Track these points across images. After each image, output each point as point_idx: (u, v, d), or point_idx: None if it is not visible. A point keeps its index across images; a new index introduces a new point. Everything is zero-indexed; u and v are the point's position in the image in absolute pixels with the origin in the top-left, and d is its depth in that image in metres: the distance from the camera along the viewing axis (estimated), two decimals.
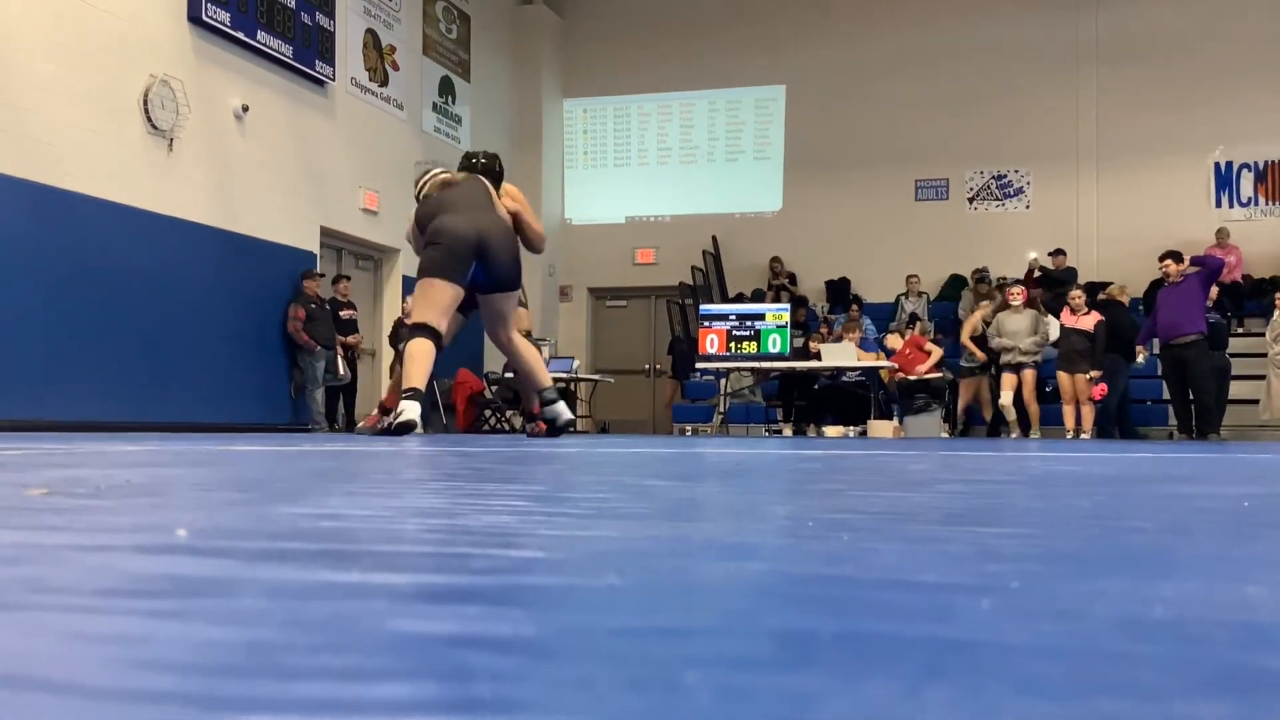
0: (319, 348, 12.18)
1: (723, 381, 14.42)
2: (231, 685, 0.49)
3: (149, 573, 0.86)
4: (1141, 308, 14.36)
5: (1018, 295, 13.25)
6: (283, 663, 0.53)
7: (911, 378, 12.92)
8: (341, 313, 13.02)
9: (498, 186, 7.17)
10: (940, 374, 13.06)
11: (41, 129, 9.52)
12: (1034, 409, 13.12)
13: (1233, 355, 13.72)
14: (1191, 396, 11.82)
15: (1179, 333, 11.46)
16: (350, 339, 13.12)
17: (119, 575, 0.85)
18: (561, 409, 7.16)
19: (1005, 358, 13.02)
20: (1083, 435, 12.36)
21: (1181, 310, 11.44)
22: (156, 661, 0.54)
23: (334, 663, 0.53)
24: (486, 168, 7.26)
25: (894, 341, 13.30)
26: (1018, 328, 12.94)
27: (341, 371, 12.56)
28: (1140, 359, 12.01)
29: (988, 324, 13.31)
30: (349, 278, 13.59)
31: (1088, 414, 12.53)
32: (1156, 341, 12.13)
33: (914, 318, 14.84)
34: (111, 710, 0.46)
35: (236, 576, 0.82)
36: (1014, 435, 12.92)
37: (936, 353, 13.05)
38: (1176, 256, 11.81)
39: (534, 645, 0.58)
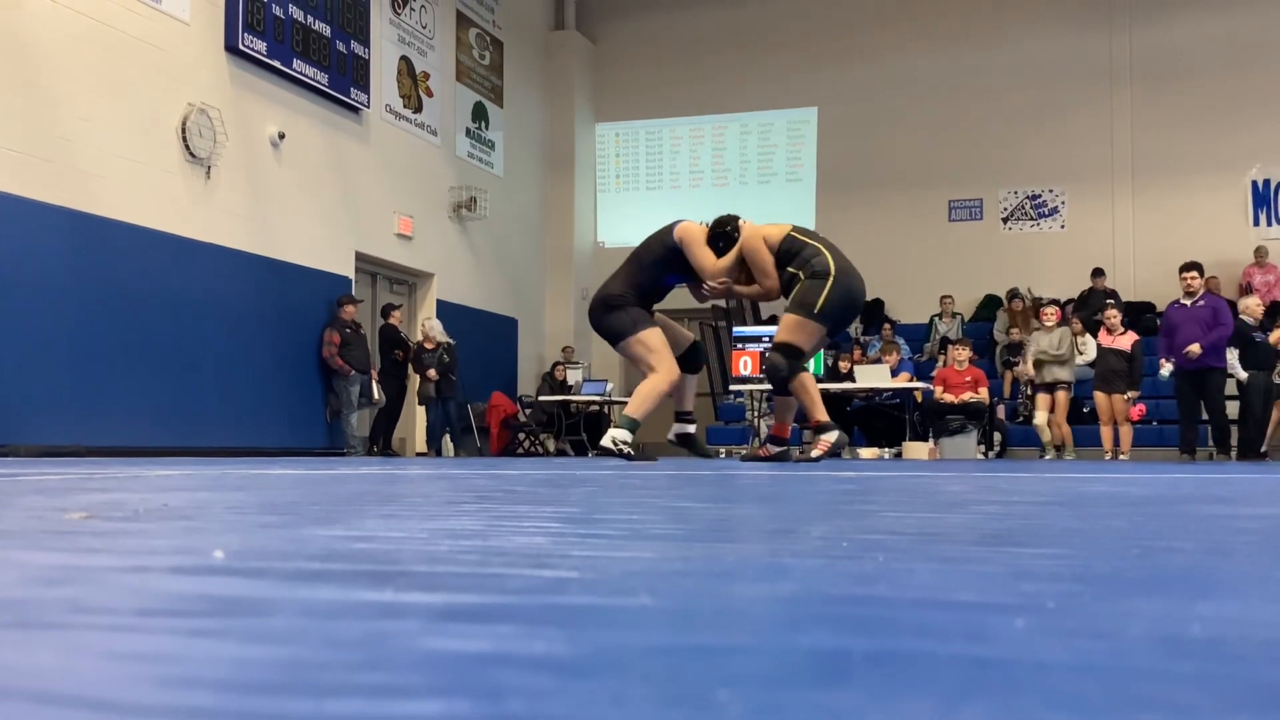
0: (354, 372, 12.23)
1: (755, 404, 14.37)
2: (268, 702, 0.50)
3: (187, 593, 0.87)
4: None
5: (1051, 315, 13.23)
6: (318, 680, 0.54)
7: (953, 400, 12.84)
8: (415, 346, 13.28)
9: (717, 243, 6.98)
10: (978, 396, 12.97)
11: (83, 158, 9.65)
12: (1066, 430, 12.99)
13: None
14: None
15: (1199, 361, 11.31)
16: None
17: (157, 596, 0.86)
18: (613, 434, 7.03)
19: (1039, 376, 12.97)
20: (1121, 456, 12.23)
21: (1198, 337, 11.29)
22: (194, 679, 0.55)
23: (369, 680, 0.54)
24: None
25: (959, 354, 13.13)
26: (1050, 344, 12.98)
27: (376, 395, 12.62)
28: (1164, 371, 11.79)
29: (1018, 345, 13.25)
30: (399, 306, 13.64)
31: (1126, 434, 12.40)
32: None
33: (946, 341, 14.74)
34: None
35: (272, 596, 0.83)
36: (1048, 456, 12.79)
37: (984, 394, 12.97)
38: (1201, 270, 11.70)
39: (567, 664, 0.58)
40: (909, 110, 17.54)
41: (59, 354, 9.30)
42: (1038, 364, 13.06)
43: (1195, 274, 11.60)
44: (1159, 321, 15.75)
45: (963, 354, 13.12)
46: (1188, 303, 11.54)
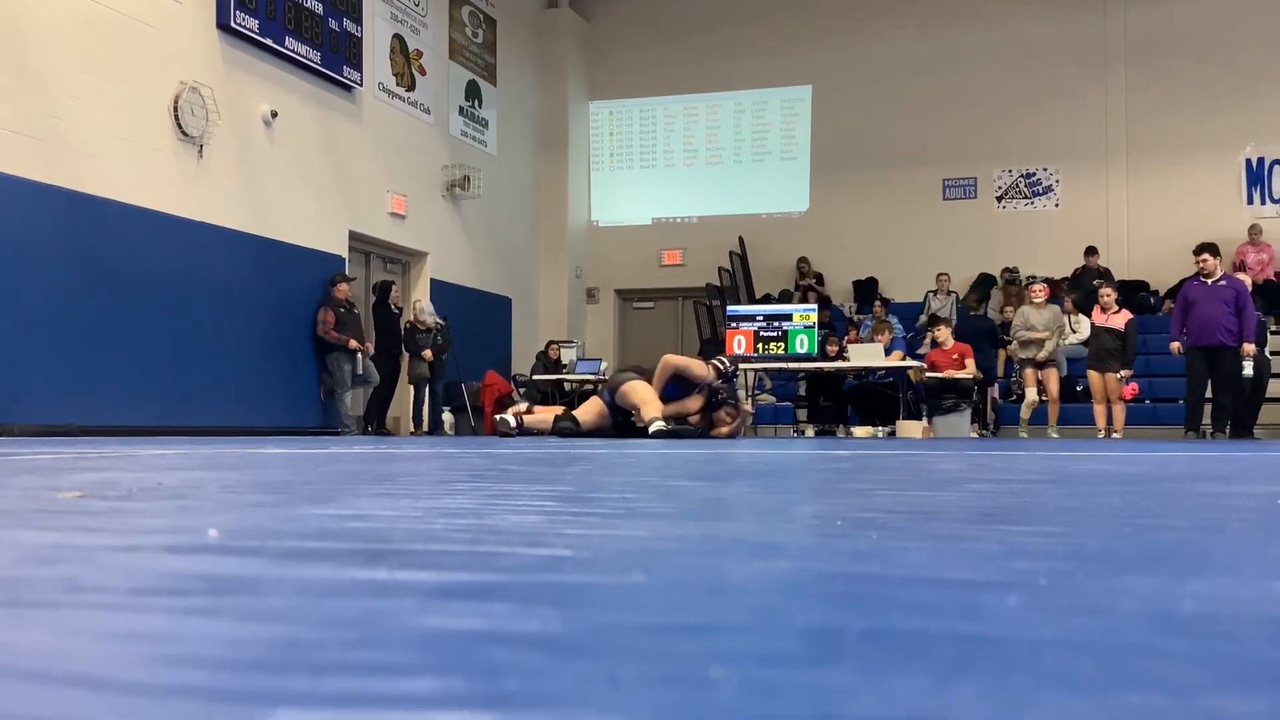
0: (351, 341, 12.15)
1: (750, 379, 14.35)
2: (262, 680, 0.50)
3: (181, 572, 0.87)
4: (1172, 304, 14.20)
5: (1040, 292, 13.24)
6: (313, 659, 0.54)
7: (941, 375, 12.85)
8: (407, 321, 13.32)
9: None
10: (965, 371, 12.98)
11: (76, 137, 9.60)
12: (1054, 410, 12.98)
13: (1273, 354, 13.54)
14: (1214, 394, 11.73)
15: (1214, 340, 11.28)
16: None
17: (151, 575, 0.86)
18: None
19: (1027, 353, 12.98)
20: (1114, 434, 12.25)
21: (1219, 316, 11.26)
22: (189, 658, 0.55)
23: (363, 658, 0.54)
24: None
25: (939, 334, 13.15)
26: (1039, 321, 12.98)
27: (361, 370, 12.55)
28: (1175, 348, 11.77)
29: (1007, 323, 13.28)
30: (394, 283, 13.59)
31: (1119, 413, 12.42)
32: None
33: (934, 318, 14.74)
34: (145, 706, 0.46)
35: (266, 575, 0.83)
36: (1023, 434, 12.80)
37: (971, 367, 12.95)
38: (1215, 250, 11.63)
39: (561, 642, 0.58)
40: (903, 89, 17.50)
41: (51, 333, 9.28)
42: (1026, 342, 13.08)
43: (1208, 255, 11.55)
44: (1169, 300, 15.78)
45: (941, 333, 13.13)
46: (1208, 281, 11.50)
